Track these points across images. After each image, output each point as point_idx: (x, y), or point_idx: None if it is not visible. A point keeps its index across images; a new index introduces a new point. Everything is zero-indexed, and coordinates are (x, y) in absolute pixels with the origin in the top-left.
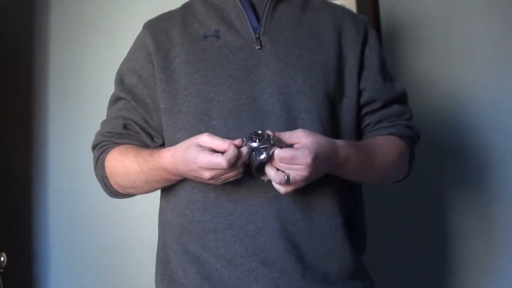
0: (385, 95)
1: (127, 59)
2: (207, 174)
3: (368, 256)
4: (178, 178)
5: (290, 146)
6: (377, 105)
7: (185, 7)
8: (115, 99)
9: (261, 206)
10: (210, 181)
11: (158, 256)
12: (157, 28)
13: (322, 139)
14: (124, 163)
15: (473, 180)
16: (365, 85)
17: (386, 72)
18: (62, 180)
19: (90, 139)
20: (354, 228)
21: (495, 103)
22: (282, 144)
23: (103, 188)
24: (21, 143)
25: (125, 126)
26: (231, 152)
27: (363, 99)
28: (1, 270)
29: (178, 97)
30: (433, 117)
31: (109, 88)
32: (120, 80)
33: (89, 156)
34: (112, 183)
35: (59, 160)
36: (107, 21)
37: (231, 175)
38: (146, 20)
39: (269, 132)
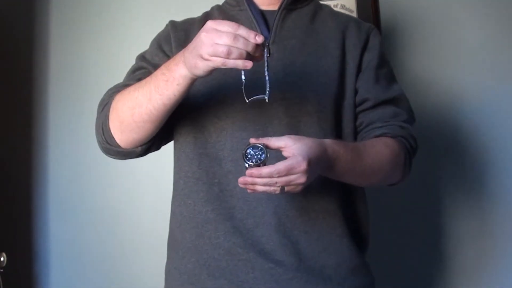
0: (376, 95)
1: (151, 43)
2: (223, 40)
3: (367, 256)
4: (175, 71)
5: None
6: (368, 104)
7: (205, 15)
8: (134, 69)
9: (260, 203)
10: (215, 55)
11: (167, 244)
12: (179, 27)
13: (310, 142)
14: (132, 87)
15: (471, 181)
16: (358, 85)
17: (382, 74)
18: (62, 180)
19: (90, 139)
20: (354, 225)
21: (493, 103)
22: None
23: (98, 140)
24: (21, 143)
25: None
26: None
27: (357, 99)
28: (1, 270)
29: (189, 96)
30: (431, 117)
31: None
32: (142, 57)
33: (89, 156)
34: (111, 123)
35: (59, 160)
36: (107, 21)
37: (242, 52)
38: (146, 20)
39: (253, 140)
